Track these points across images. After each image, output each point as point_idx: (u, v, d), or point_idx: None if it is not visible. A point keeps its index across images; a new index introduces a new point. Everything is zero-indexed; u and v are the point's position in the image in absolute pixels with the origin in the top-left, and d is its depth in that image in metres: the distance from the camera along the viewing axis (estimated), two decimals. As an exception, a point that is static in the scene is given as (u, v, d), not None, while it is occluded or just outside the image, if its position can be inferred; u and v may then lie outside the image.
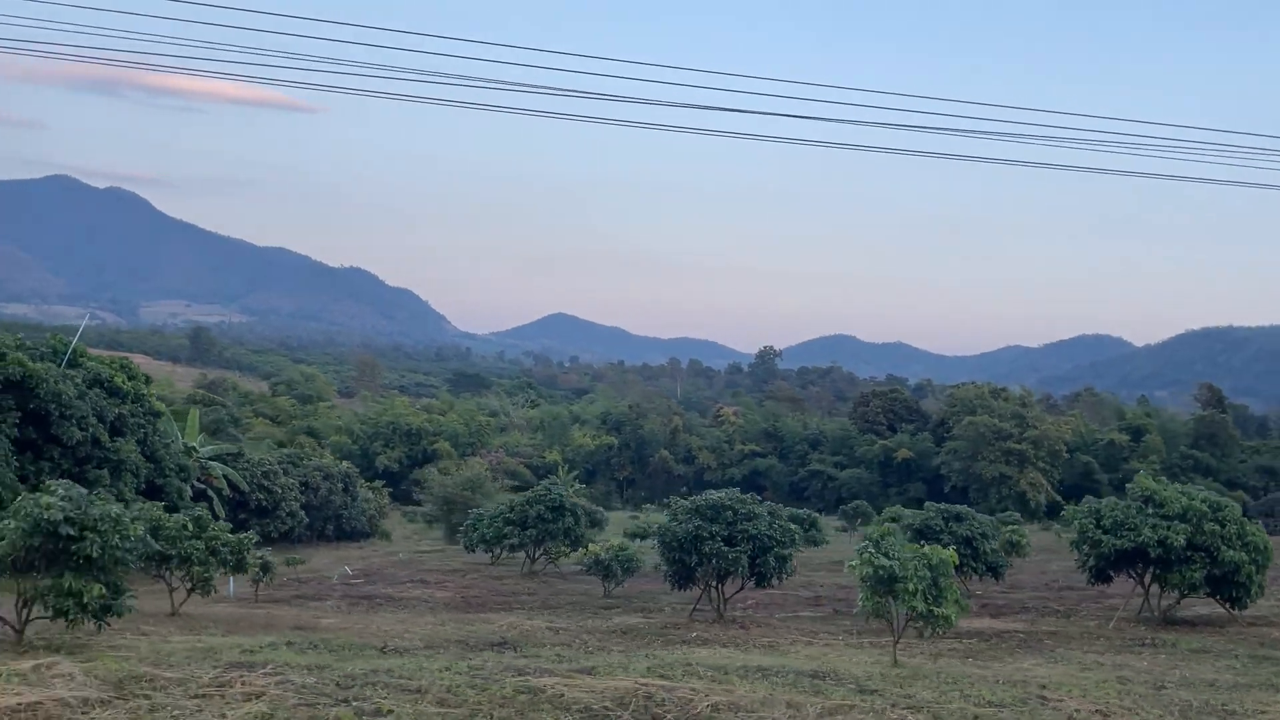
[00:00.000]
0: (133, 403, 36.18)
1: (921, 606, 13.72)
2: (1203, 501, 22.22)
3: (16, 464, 29.75)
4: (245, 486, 43.71)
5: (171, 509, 36.86)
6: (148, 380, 39.04)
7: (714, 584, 21.58)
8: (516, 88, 23.64)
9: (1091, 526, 22.65)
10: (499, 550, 41.61)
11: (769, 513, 21.47)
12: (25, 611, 12.58)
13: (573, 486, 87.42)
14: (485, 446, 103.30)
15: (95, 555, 11.94)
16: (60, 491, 12.53)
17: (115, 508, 12.76)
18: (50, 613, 12.20)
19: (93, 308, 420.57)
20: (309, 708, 9.22)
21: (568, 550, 37.49)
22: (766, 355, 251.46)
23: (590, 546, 29.71)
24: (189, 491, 38.57)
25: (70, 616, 12.12)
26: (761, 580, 21.34)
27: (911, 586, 13.65)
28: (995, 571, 29.55)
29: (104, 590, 12.19)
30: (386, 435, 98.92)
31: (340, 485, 52.19)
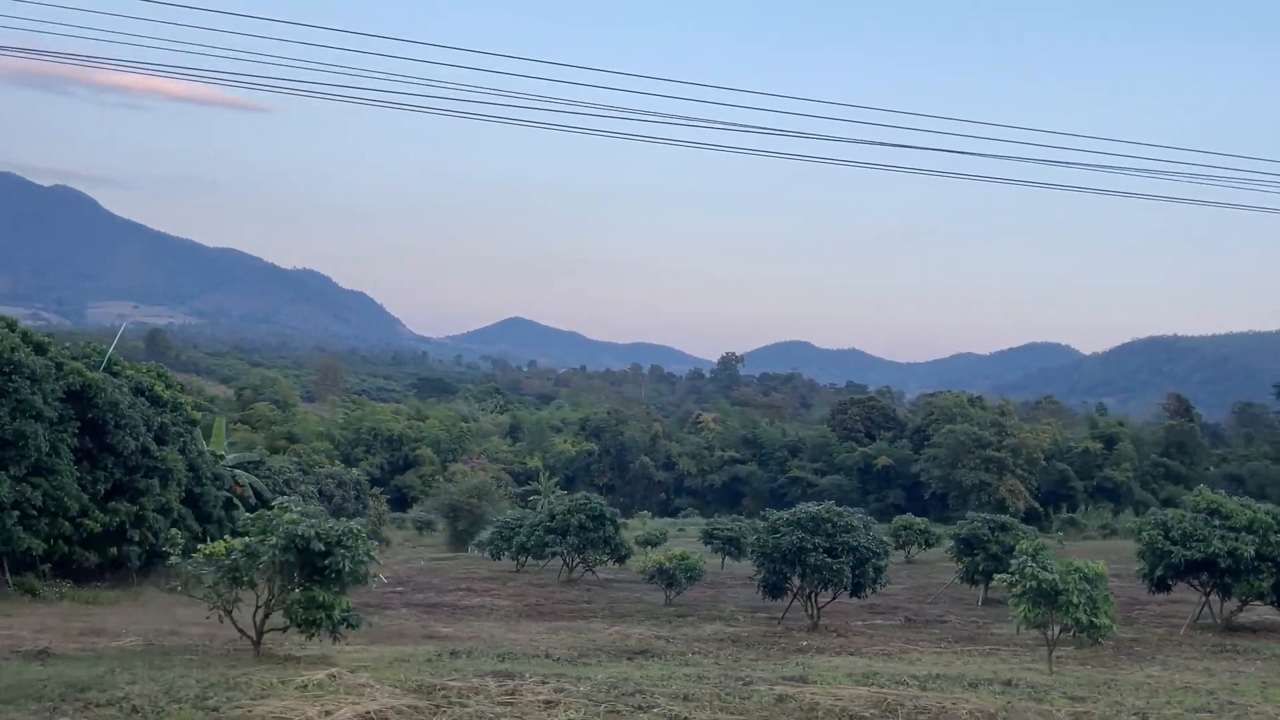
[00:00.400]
0: (172, 411, 36.19)
1: (1084, 618, 14.57)
2: (1266, 514, 23.42)
3: (77, 474, 29.72)
4: (268, 494, 43.66)
5: (205, 518, 37.12)
6: (182, 388, 39.01)
7: (812, 594, 22.35)
8: (472, 91, 23.60)
9: (1160, 538, 23.74)
10: (525, 558, 42.18)
11: (863, 525, 22.31)
12: (263, 623, 12.97)
13: (554, 492, 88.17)
14: (466, 453, 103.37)
15: (346, 570, 12.39)
16: (297, 509, 12.96)
17: (354, 524, 13.21)
18: (298, 624, 12.60)
19: (37, 308, 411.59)
20: (616, 714, 9.81)
21: (606, 559, 38.18)
22: (729, 361, 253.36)
23: (652, 555, 30.33)
24: (222, 500, 38.60)
25: (321, 628, 12.55)
26: (858, 590, 22.17)
27: (1075, 599, 14.48)
28: (1039, 579, 30.63)
29: (349, 603, 12.65)
30: (368, 441, 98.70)
31: (353, 493, 52.27)
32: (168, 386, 37.11)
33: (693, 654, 17.90)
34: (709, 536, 46.55)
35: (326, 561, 12.34)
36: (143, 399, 34.51)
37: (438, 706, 9.65)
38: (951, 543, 31.26)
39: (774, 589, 22.74)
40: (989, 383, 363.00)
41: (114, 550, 30.82)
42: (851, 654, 18.87)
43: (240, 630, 13.04)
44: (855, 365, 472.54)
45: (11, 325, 30.09)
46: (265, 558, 12.18)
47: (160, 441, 34.49)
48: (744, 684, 12.04)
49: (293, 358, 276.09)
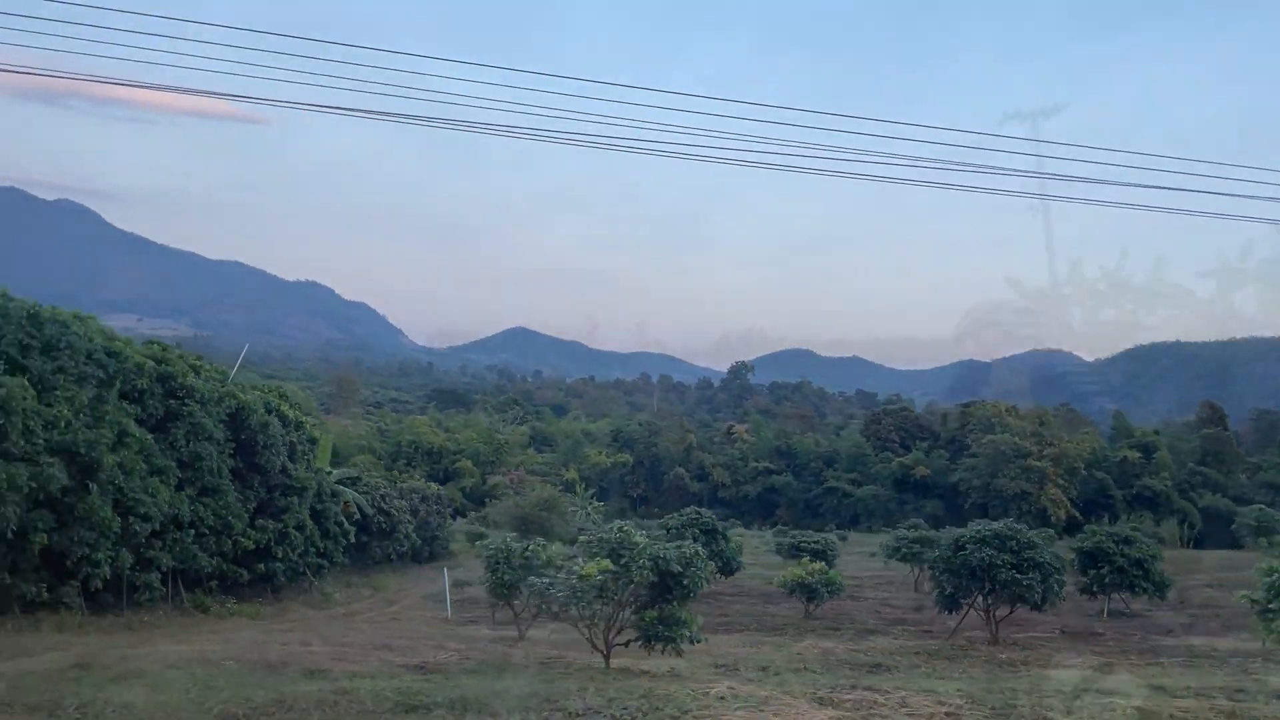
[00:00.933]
0: (296, 430, 37.08)
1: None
2: None
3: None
4: (370, 510, 44.53)
5: (326, 534, 37.93)
6: (300, 407, 39.90)
7: (992, 608, 23.28)
8: (471, 102, 24.03)
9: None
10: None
11: (1043, 542, 23.22)
12: (613, 639, 13.85)
13: (590, 504, 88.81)
14: (503, 465, 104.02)
15: (700, 588, 13.30)
16: (644, 534, 13.87)
17: (697, 547, 14.11)
18: (652, 640, 13.48)
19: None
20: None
21: (716, 572, 39.07)
22: (739, 370, 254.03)
23: (792, 569, 31.24)
24: (338, 516, 39.44)
25: (679, 643, 13.44)
26: (1041, 604, 23.08)
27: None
28: (1161, 590, 31.56)
29: (701, 620, 13.54)
30: (409, 454, 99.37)
31: (434, 507, 53.09)
32: (291, 406, 38.03)
33: (918, 667, 18.76)
34: (795, 549, 47.24)
35: (685, 581, 13.26)
36: (274, 418, 35.44)
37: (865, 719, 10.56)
38: (1074, 555, 32.12)
39: (953, 603, 23.66)
40: (991, 390, 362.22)
41: (261, 566, 31.71)
42: (1057, 667, 19.74)
43: (594, 645, 13.92)
44: (858, 373, 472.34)
45: (166, 348, 30.98)
46: (637, 579, 13.08)
47: (292, 460, 35.44)
48: (1072, 698, 12.95)
49: (301, 369, 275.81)
